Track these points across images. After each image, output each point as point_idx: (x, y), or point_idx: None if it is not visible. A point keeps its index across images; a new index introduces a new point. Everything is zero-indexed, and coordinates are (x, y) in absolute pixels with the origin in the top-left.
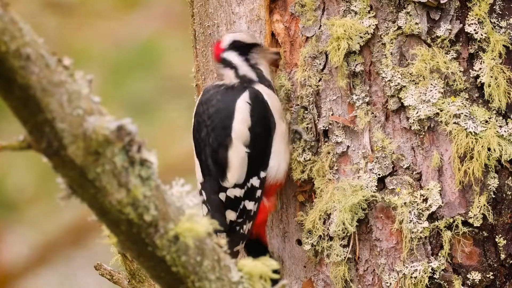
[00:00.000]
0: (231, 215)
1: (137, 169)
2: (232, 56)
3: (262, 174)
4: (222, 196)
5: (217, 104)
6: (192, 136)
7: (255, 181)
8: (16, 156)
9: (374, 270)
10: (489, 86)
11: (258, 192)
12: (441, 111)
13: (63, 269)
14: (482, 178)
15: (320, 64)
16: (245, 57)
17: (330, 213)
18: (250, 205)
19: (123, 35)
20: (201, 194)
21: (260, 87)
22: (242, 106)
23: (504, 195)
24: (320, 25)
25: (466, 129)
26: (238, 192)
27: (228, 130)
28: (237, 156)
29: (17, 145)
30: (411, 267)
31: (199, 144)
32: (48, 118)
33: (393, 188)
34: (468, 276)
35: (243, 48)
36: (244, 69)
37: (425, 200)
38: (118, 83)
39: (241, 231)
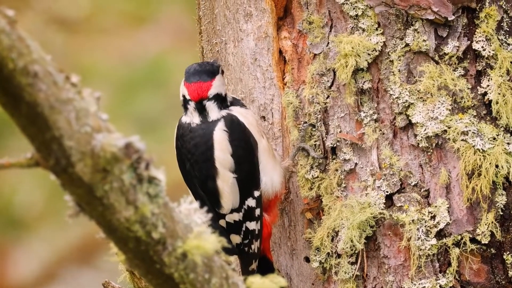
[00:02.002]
0: (236, 239)
1: (145, 186)
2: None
3: (256, 193)
4: (222, 222)
5: (194, 139)
6: (179, 169)
7: (251, 202)
8: (24, 174)
9: (382, 287)
10: (497, 103)
11: (257, 211)
12: (449, 128)
13: (71, 286)
14: (490, 195)
15: (328, 81)
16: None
17: (338, 231)
18: (252, 225)
19: (131, 52)
20: None
21: (233, 109)
22: (220, 135)
23: None
24: (328, 42)
25: (474, 146)
26: (237, 216)
27: (211, 161)
28: (226, 184)
29: (25, 163)
30: (419, 284)
31: (186, 177)
32: (56, 136)
33: (401, 205)
34: None
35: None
36: (215, 115)
37: (433, 217)
38: (126, 100)
39: (251, 251)
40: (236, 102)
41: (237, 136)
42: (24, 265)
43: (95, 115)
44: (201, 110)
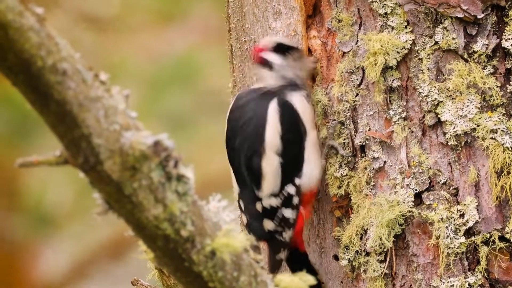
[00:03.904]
0: (268, 225)
1: (174, 184)
2: (272, 57)
3: (297, 181)
4: (258, 206)
5: (250, 112)
6: (225, 143)
7: (290, 189)
8: (54, 172)
9: (411, 285)
10: None
11: (295, 200)
12: (478, 126)
13: (100, 283)
14: None
15: (357, 79)
16: (283, 57)
17: (367, 229)
18: (288, 212)
19: (160, 49)
20: (239, 203)
21: (290, 94)
22: (273, 114)
23: None
24: (357, 40)
25: (503, 144)
26: (274, 202)
27: (261, 139)
28: (270, 166)
29: (54, 160)
30: (448, 282)
31: (233, 152)
32: (85, 134)
33: (430, 204)
34: None
35: (283, 50)
36: (283, 71)
37: (462, 215)
38: (155, 98)
39: (281, 239)
40: (301, 88)
41: (288, 119)
42: (54, 263)
43: (124, 113)
44: (266, 65)
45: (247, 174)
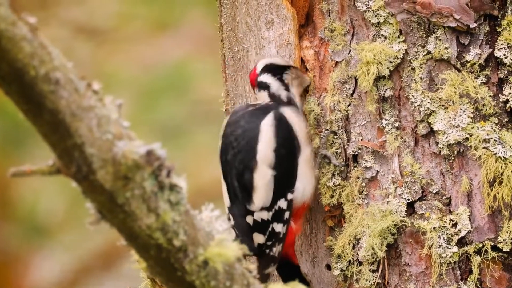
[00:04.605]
0: (259, 238)
1: (166, 194)
2: (266, 77)
3: (290, 196)
4: (249, 219)
5: (244, 126)
6: (219, 158)
7: (282, 203)
8: (46, 181)
9: None
10: None
11: (286, 214)
12: (471, 136)
13: None
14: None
15: (349, 89)
16: (278, 77)
17: (360, 238)
18: (278, 227)
19: (153, 59)
20: (229, 218)
21: (285, 110)
22: (266, 128)
23: None
24: (350, 50)
25: (495, 154)
26: (266, 215)
27: (253, 153)
28: (263, 179)
29: (46, 170)
30: None
31: (225, 167)
32: (77, 143)
33: (423, 213)
34: None
35: (275, 70)
36: (276, 87)
37: (455, 225)
38: (148, 108)
39: (271, 253)
40: (294, 104)
41: (282, 133)
42: (46, 272)
43: (116, 122)
44: (263, 86)
45: (239, 188)
